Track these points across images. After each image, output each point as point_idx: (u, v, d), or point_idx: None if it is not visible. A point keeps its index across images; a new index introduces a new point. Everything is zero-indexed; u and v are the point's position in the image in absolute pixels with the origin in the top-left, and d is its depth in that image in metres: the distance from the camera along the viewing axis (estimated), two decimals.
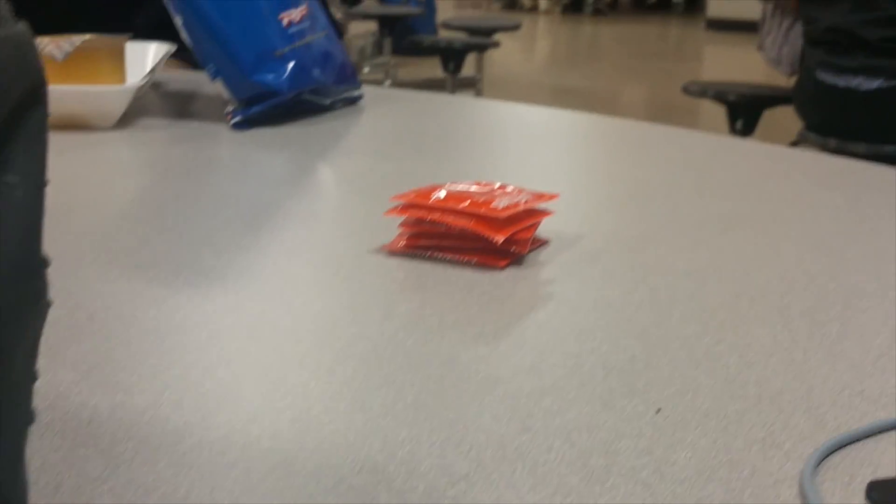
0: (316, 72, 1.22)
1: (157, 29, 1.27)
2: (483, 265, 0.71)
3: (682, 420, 0.49)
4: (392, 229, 0.75)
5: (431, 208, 0.73)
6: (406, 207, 0.74)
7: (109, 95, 1.15)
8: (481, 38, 6.01)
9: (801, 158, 1.11)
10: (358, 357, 0.56)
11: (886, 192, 0.94)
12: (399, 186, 0.80)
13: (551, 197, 0.77)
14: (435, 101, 1.40)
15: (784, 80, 3.24)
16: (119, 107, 1.14)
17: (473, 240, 0.71)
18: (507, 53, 7.91)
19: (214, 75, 1.16)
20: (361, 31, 7.29)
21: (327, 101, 1.26)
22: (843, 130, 2.65)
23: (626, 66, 8.24)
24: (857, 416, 0.50)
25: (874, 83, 2.51)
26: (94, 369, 0.54)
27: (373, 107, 1.30)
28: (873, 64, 2.52)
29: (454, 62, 5.56)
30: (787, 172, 1.02)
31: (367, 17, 6.81)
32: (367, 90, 1.32)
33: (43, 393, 0.50)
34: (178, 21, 1.15)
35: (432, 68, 6.08)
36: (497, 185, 0.77)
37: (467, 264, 0.71)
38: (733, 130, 3.37)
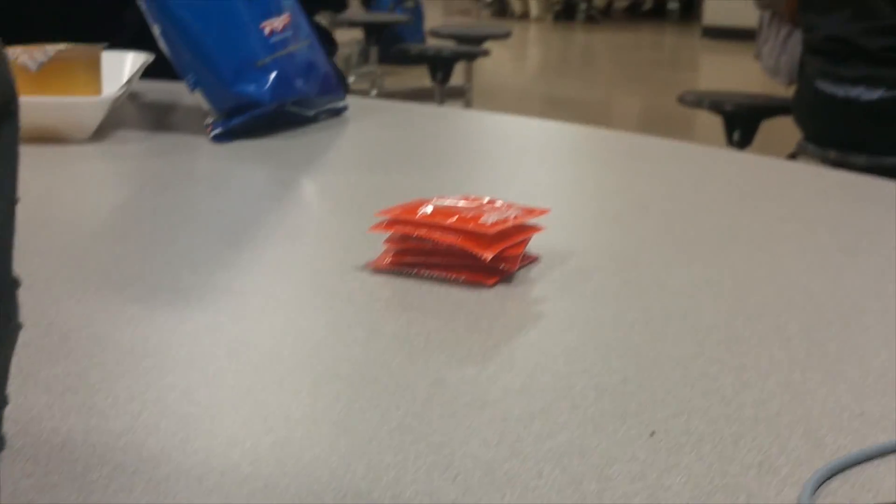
0: (299, 82, 1.20)
1: (136, 39, 1.25)
2: (471, 283, 0.70)
3: (676, 443, 0.49)
4: (377, 246, 0.74)
5: (418, 224, 0.72)
6: (392, 223, 0.73)
7: (85, 107, 1.13)
8: (471, 47, 6.01)
9: (799, 171, 1.11)
10: (341, 379, 0.55)
11: (887, 207, 0.93)
12: (385, 201, 0.79)
13: (542, 212, 0.76)
14: (422, 113, 1.39)
15: (782, 89, 3.23)
16: (95, 118, 1.12)
17: (461, 257, 0.70)
18: (497, 62, 7.92)
19: (194, 86, 1.14)
20: (347, 39, 7.30)
21: (311, 113, 1.24)
22: (843, 141, 2.64)
23: (619, 75, 8.27)
24: (857, 439, 0.49)
25: (875, 93, 2.51)
26: (67, 392, 0.53)
27: (358, 118, 1.29)
28: (874, 74, 2.51)
29: (443, 71, 5.54)
30: (785, 186, 1.02)
31: (352, 24, 6.79)
32: (352, 101, 1.31)
33: (14, 417, 0.49)
34: (156, 30, 1.13)
35: (420, 77, 6.09)
36: (486, 199, 0.76)
37: (455, 282, 0.70)
38: (730, 142, 3.36)
